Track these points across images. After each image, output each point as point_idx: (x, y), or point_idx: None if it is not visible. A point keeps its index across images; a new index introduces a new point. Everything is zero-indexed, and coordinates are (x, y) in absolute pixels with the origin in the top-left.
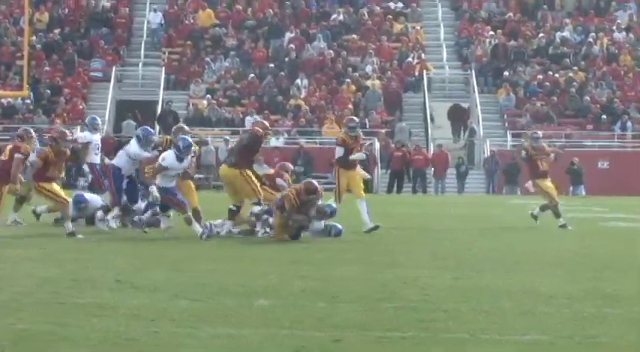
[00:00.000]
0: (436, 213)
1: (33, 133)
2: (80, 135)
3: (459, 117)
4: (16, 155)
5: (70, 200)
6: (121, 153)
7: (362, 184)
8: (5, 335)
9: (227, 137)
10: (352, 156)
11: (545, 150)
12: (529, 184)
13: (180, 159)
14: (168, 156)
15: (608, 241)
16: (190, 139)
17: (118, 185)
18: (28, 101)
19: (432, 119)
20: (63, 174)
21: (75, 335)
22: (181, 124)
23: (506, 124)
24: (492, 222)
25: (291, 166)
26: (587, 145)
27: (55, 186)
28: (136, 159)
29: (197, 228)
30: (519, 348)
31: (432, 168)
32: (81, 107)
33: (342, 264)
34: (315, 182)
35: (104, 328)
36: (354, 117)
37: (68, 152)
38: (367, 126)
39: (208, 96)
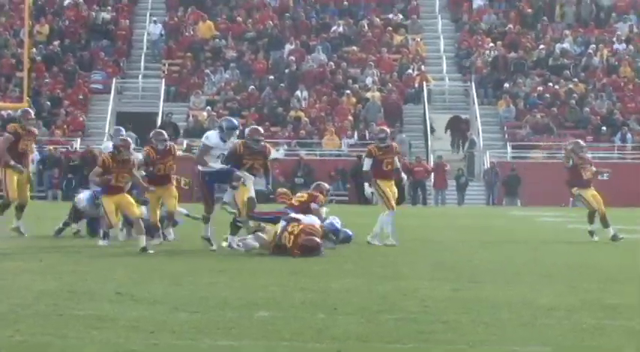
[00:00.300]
0: (436, 225)
1: (32, 114)
2: (104, 145)
3: (458, 129)
4: (5, 134)
5: (118, 223)
6: None
7: (395, 197)
8: (4, 346)
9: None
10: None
11: (589, 160)
12: (574, 191)
13: (223, 139)
14: (211, 136)
15: (609, 252)
16: (235, 121)
17: None
18: None
19: (432, 130)
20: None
21: (74, 346)
22: (159, 130)
23: (506, 136)
24: (492, 234)
25: (327, 186)
26: None
27: (111, 207)
28: None
29: (208, 231)
30: None
31: (432, 180)
32: (81, 119)
33: (342, 275)
34: (316, 239)
35: (104, 340)
36: (384, 128)
37: (133, 161)
38: (367, 138)
39: (208, 107)
